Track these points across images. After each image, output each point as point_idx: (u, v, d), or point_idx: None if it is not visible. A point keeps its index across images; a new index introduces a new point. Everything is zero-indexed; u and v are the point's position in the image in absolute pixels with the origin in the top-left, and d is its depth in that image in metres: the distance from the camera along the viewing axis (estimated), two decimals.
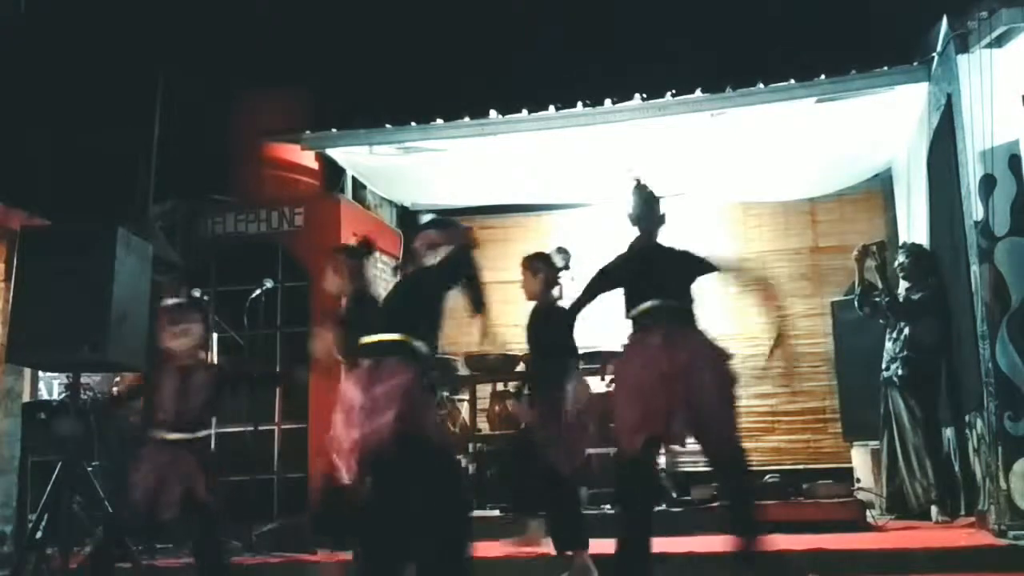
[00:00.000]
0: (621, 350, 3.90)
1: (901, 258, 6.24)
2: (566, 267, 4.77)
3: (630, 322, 3.89)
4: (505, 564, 4.76)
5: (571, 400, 4.46)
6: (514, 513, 5.00)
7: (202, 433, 4.28)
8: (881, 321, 6.28)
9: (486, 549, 4.94)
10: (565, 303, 4.52)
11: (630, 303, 3.90)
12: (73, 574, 4.53)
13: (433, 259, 3.75)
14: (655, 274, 3.87)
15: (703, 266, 3.97)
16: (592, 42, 8.18)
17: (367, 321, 4.54)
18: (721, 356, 3.77)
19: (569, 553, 4.37)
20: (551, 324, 4.58)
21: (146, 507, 4.06)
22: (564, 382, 4.50)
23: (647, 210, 4.07)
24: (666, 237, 4.08)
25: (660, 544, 4.38)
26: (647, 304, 3.80)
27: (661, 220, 4.07)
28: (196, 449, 4.21)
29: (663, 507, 6.13)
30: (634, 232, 4.10)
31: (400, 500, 3.34)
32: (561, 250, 4.82)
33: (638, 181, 4.15)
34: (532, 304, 4.76)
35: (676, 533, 5.24)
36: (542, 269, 4.69)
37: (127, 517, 4.22)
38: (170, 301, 4.43)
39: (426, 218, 4.06)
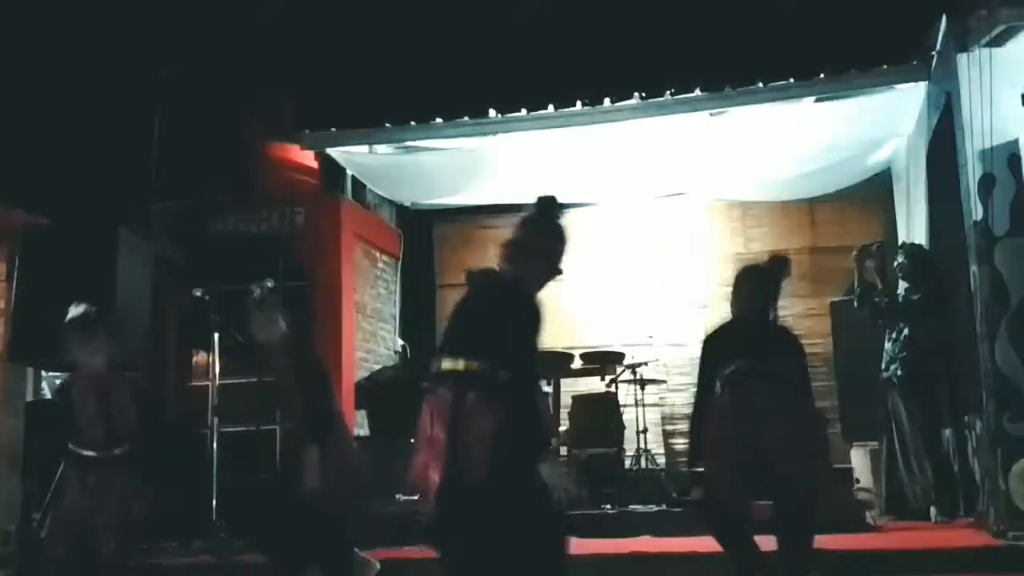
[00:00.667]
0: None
1: (900, 259, 6.23)
2: None
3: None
4: None
5: None
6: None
7: (120, 451, 4.07)
8: (880, 322, 6.28)
9: None
10: None
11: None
12: None
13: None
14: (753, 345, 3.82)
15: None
16: (591, 41, 8.18)
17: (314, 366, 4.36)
18: (813, 418, 3.84)
19: None
20: None
21: (80, 536, 3.92)
22: None
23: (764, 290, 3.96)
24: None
25: (660, 544, 4.40)
26: (740, 363, 3.77)
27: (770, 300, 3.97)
28: (124, 466, 4.03)
29: (663, 507, 6.14)
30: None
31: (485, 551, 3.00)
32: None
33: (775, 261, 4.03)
34: None
35: (676, 533, 5.25)
36: None
37: (58, 552, 4.05)
38: (75, 312, 4.12)
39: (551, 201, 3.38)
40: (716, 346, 3.95)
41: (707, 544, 4.96)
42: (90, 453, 4.04)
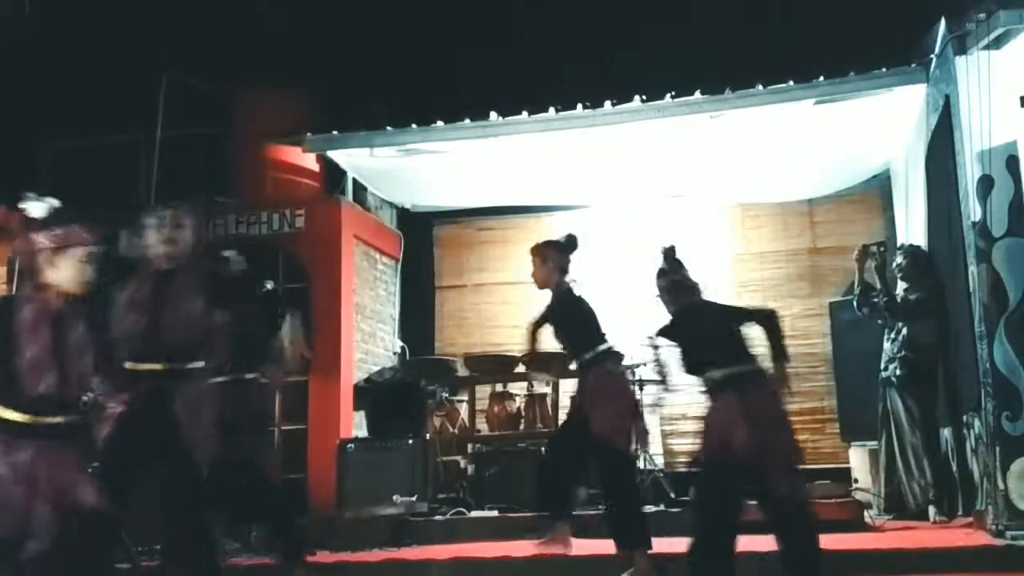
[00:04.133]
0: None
1: (899, 259, 6.25)
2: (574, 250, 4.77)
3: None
4: (534, 564, 4.74)
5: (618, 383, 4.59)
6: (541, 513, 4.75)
7: (74, 417, 2.83)
8: (880, 322, 6.30)
9: (511, 549, 4.94)
10: (579, 287, 4.70)
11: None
12: None
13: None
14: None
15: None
16: (592, 43, 8.20)
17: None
18: None
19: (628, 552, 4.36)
20: (568, 309, 4.58)
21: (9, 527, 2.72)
22: (605, 366, 4.56)
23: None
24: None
25: (660, 544, 4.41)
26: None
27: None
28: (75, 440, 2.81)
29: (662, 507, 6.15)
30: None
31: None
32: (570, 236, 4.82)
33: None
34: (548, 294, 4.74)
35: (676, 533, 5.25)
36: (551, 256, 4.69)
37: None
38: (36, 212, 3.02)
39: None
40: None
41: None
42: (40, 420, 2.77)
